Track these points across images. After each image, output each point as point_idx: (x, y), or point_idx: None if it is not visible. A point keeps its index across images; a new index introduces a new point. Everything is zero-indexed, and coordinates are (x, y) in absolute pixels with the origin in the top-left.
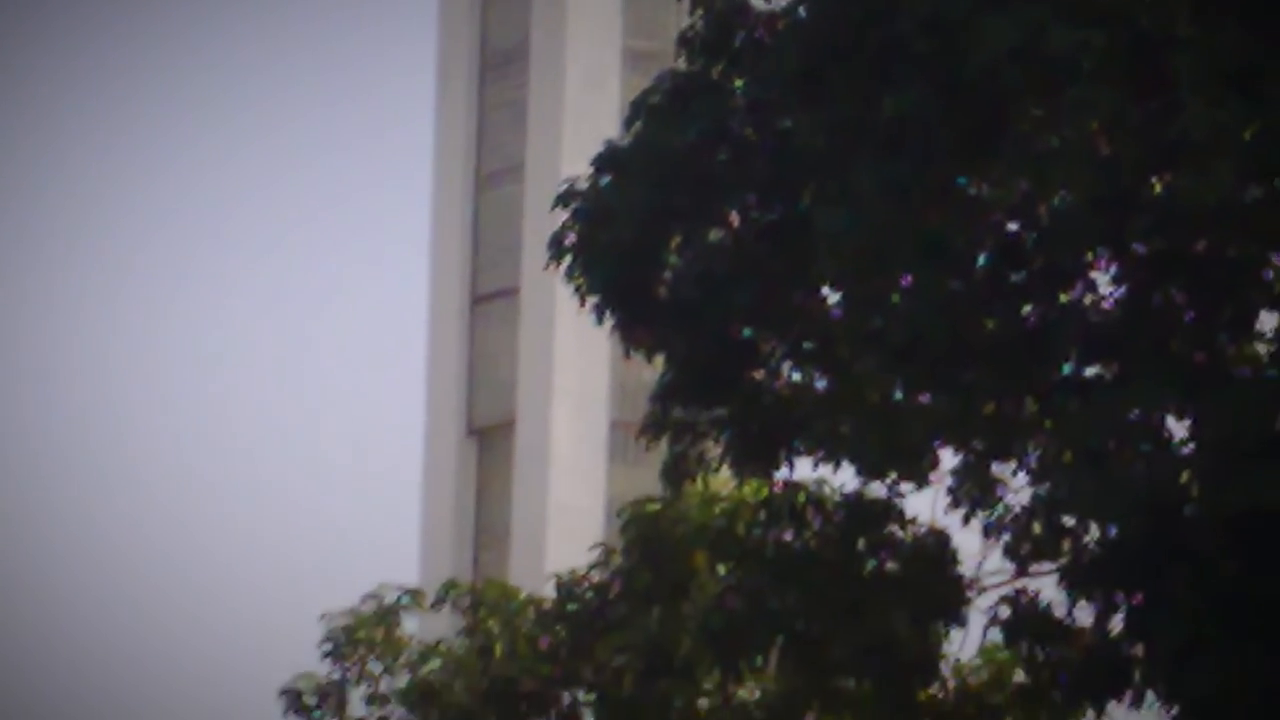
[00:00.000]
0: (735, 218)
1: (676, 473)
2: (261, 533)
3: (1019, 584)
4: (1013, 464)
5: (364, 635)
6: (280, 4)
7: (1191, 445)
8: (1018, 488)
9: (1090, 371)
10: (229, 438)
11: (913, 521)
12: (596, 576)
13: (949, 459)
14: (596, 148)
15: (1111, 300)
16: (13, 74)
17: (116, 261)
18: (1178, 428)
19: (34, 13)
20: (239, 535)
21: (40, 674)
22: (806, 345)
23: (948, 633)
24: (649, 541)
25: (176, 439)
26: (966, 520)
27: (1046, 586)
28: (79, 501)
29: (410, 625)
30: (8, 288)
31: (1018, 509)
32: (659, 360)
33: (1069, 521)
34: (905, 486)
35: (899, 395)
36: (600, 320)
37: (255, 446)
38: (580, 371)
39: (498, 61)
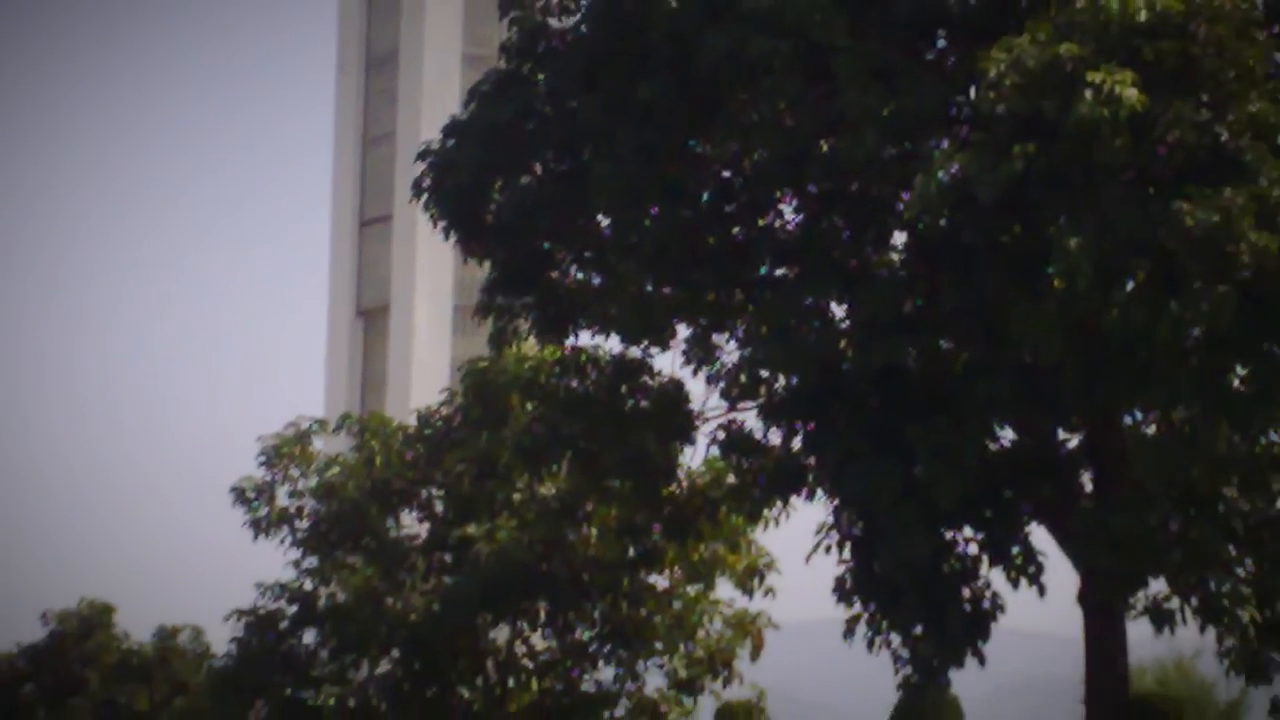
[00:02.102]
0: (538, 168)
1: (499, 341)
2: (216, 379)
3: (731, 416)
4: (727, 335)
5: (286, 451)
6: (231, 20)
7: (847, 322)
8: (730, 351)
9: (779, 272)
10: (192, 321)
11: (659, 374)
12: (444, 411)
13: (683, 331)
14: (444, 121)
15: (794, 224)
16: None
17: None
18: (839, 310)
19: None
20: (202, 380)
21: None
22: (587, 254)
23: (682, 449)
24: (480, 388)
25: (158, 335)
26: (695, 373)
27: (749, 418)
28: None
29: (318, 444)
30: None
31: (730, 365)
32: (487, 264)
33: (765, 374)
34: (653, 350)
35: (649, 288)
36: (447, 237)
37: (211, 323)
38: (433, 272)
39: (378, 61)
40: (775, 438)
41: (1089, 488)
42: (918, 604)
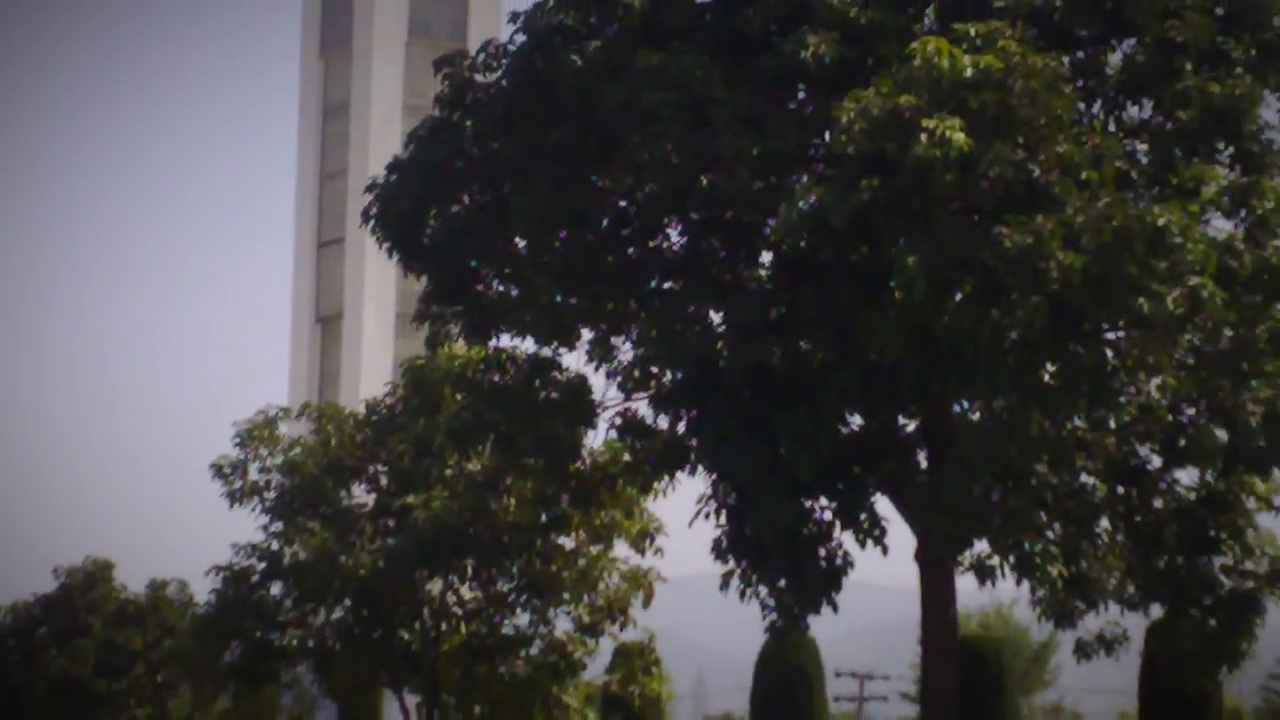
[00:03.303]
0: (466, 199)
1: (433, 342)
2: (199, 375)
3: (626, 405)
4: (623, 337)
5: (257, 434)
6: (210, 71)
7: (723, 327)
8: (626, 351)
9: (666, 285)
10: (181, 324)
11: (566, 370)
12: (388, 401)
13: (587, 334)
14: (388, 159)
15: (678, 245)
16: None
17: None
18: (716, 317)
19: None
20: (188, 376)
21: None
22: (507, 271)
23: (586, 432)
24: (417, 381)
25: (152, 336)
26: (596, 369)
27: (642, 406)
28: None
29: (283, 428)
30: None
31: (625, 363)
32: (424, 279)
33: (654, 370)
34: (562, 350)
35: (559, 299)
36: (390, 256)
37: (196, 327)
38: (379, 285)
39: (333, 109)
40: (663, 423)
41: (924, 464)
42: (782, 561)
